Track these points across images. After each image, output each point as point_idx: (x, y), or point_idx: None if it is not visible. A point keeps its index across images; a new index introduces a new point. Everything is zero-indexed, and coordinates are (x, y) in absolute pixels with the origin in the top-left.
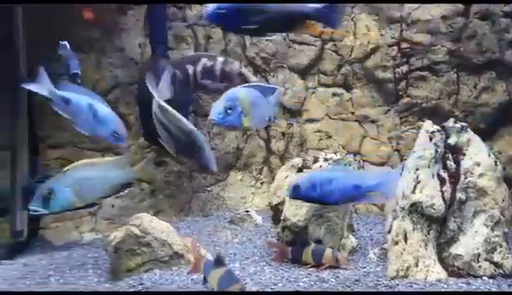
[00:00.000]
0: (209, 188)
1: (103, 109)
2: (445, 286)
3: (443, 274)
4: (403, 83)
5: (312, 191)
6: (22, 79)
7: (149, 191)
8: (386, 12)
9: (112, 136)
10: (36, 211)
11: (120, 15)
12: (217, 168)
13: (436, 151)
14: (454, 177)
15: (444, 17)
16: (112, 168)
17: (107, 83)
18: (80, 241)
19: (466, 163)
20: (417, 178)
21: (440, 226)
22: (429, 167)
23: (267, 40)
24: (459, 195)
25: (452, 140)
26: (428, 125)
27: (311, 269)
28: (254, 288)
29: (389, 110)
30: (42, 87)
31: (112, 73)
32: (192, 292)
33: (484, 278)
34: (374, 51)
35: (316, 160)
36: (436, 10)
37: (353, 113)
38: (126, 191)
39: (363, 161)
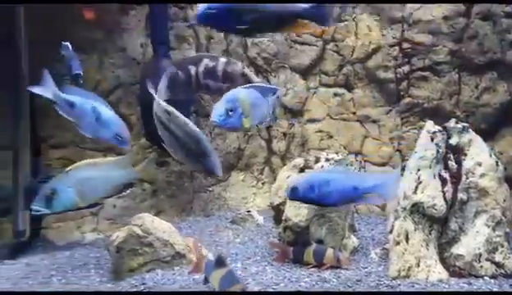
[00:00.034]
0: (211, 189)
1: (107, 112)
2: (447, 286)
3: (444, 275)
4: (404, 84)
5: (310, 192)
6: (23, 78)
7: (151, 191)
8: (388, 12)
9: (116, 139)
10: (39, 211)
11: (122, 15)
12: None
13: (438, 151)
14: (456, 177)
15: (445, 17)
16: (114, 168)
17: (109, 83)
18: (82, 241)
19: (467, 163)
20: (418, 178)
21: (441, 226)
22: (431, 167)
23: (268, 40)
24: (461, 195)
25: (453, 140)
26: (430, 126)
27: (312, 269)
28: (256, 288)
29: (390, 110)
30: (47, 90)
31: (113, 73)
32: (194, 293)
33: (485, 278)
34: (376, 51)
35: (317, 160)
36: (438, 10)
37: (354, 113)
38: (128, 191)
39: (365, 161)
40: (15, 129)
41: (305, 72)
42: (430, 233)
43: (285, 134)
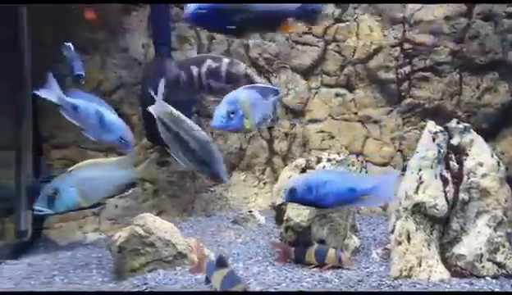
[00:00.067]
0: (212, 189)
1: (110, 115)
2: (448, 286)
3: (446, 275)
4: (405, 84)
5: (308, 194)
6: (26, 78)
7: (152, 191)
8: (389, 13)
9: (119, 142)
10: (41, 211)
11: (123, 15)
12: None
13: (439, 151)
14: (457, 177)
15: (447, 18)
16: (116, 168)
17: (111, 83)
18: (84, 241)
19: (469, 163)
20: (420, 178)
21: (443, 226)
22: (432, 168)
23: (269, 41)
24: (462, 195)
25: (455, 141)
26: (431, 126)
27: (314, 269)
28: (258, 288)
29: (392, 110)
30: (51, 93)
31: (115, 73)
32: (195, 292)
33: (487, 278)
34: (377, 51)
35: (319, 160)
36: (439, 10)
37: (356, 113)
38: (130, 191)
39: (366, 161)
40: (17, 129)
41: (307, 72)
42: (431, 234)
43: (286, 135)
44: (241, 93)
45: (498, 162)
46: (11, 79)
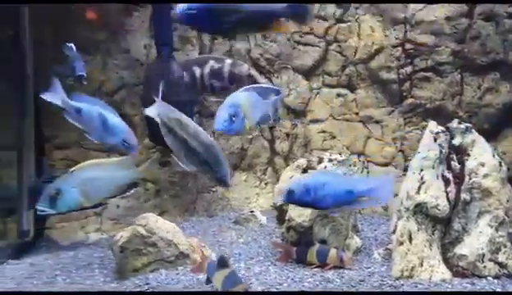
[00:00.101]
0: (214, 189)
1: (114, 118)
2: (450, 286)
3: (448, 275)
4: (407, 84)
5: (306, 196)
6: (28, 78)
7: (154, 191)
8: (391, 13)
9: (122, 145)
10: (43, 211)
11: (125, 16)
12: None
13: (441, 151)
14: (459, 178)
15: (448, 18)
16: (118, 168)
17: (112, 84)
18: (86, 241)
19: (470, 164)
20: (421, 178)
21: (444, 226)
22: (434, 168)
23: (271, 41)
24: (464, 196)
25: (457, 141)
26: (433, 126)
27: (316, 269)
28: (259, 288)
29: (393, 110)
30: (56, 97)
31: (117, 74)
32: (197, 293)
33: (489, 278)
34: (378, 52)
35: (320, 160)
36: (441, 11)
37: (357, 114)
38: (132, 191)
39: (368, 161)
40: (19, 129)
41: (308, 73)
42: (433, 234)
43: (288, 135)
44: (241, 96)
45: (500, 162)
46: (13, 79)
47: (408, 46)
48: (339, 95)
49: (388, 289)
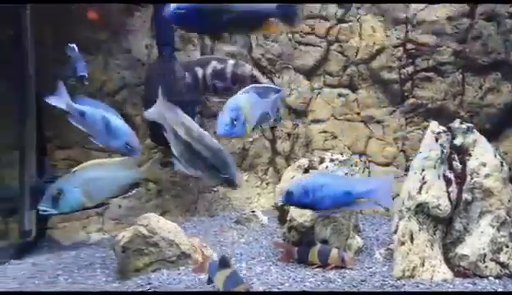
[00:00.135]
0: (215, 189)
1: (116, 121)
2: (451, 286)
3: (449, 275)
4: (408, 84)
5: (304, 197)
6: (29, 78)
7: (156, 191)
8: (392, 13)
9: (125, 148)
10: (46, 211)
11: (127, 16)
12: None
13: (442, 151)
14: (460, 178)
15: (449, 18)
16: (120, 168)
17: (114, 84)
18: (88, 241)
19: (472, 164)
20: (423, 178)
21: (446, 227)
22: (435, 168)
23: (272, 41)
24: (465, 196)
25: (458, 141)
26: (434, 126)
27: (317, 269)
28: (261, 288)
29: (394, 110)
30: (61, 100)
31: (119, 74)
32: (199, 293)
33: (490, 278)
34: (380, 52)
35: (322, 160)
36: (442, 11)
37: (358, 114)
38: (134, 191)
39: (369, 161)
40: (21, 129)
41: (309, 73)
42: (434, 234)
43: (289, 135)
44: (241, 98)
45: (501, 162)
46: (14, 79)
47: (409, 46)
48: (340, 95)
49: (389, 289)
